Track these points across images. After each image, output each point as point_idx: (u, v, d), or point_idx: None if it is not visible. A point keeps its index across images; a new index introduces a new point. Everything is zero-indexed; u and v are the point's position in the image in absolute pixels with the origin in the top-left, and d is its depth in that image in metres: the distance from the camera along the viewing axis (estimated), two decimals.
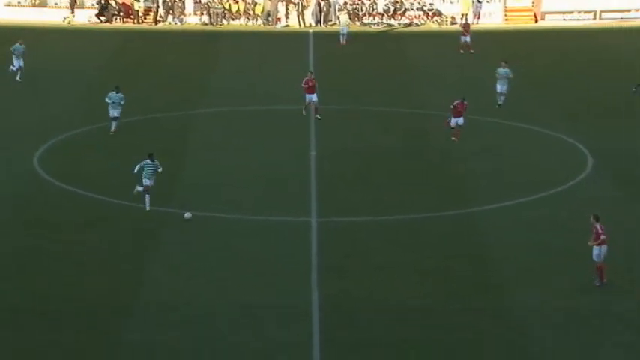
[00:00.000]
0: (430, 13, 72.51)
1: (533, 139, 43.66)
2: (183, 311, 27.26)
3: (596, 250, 28.23)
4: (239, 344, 25.50)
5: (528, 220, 33.96)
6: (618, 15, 71.94)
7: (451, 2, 72.38)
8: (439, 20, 72.37)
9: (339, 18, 68.75)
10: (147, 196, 34.18)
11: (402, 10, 72.82)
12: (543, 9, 72.93)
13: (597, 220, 28.34)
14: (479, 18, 71.54)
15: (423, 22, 72.44)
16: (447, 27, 71.59)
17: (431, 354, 25.12)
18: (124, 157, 38.74)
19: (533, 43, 65.86)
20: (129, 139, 42.59)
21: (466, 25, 63.07)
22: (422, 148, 42.78)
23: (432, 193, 36.90)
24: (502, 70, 47.50)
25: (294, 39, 67.84)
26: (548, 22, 72.30)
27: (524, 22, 72.65)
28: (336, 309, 27.48)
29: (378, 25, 72.17)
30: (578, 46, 64.06)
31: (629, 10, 71.93)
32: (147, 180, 34.20)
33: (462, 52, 61.38)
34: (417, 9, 72.73)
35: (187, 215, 32.85)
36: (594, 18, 72.14)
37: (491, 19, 72.23)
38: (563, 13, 72.40)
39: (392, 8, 72.72)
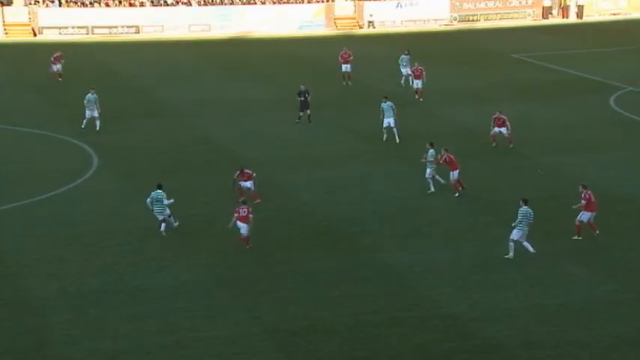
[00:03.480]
0: None
1: (45, 143, 42.37)
2: None
3: None
4: None
5: (43, 216, 32.94)
6: (107, 30, 72.16)
7: None
8: None
9: None
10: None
11: None
12: (41, 24, 71.23)
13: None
14: None
15: None
16: None
17: None
18: None
19: (32, 54, 64.02)
20: None
21: (57, 57, 55.85)
22: None
23: None
24: (91, 97, 43.64)
25: None
26: (46, 36, 70.69)
27: (24, 36, 70.52)
28: None
29: None
30: (75, 58, 63.09)
31: (116, 27, 72.39)
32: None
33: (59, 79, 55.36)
34: None
35: None
36: (87, 33, 71.71)
37: None
38: (60, 27, 71.24)
39: None
